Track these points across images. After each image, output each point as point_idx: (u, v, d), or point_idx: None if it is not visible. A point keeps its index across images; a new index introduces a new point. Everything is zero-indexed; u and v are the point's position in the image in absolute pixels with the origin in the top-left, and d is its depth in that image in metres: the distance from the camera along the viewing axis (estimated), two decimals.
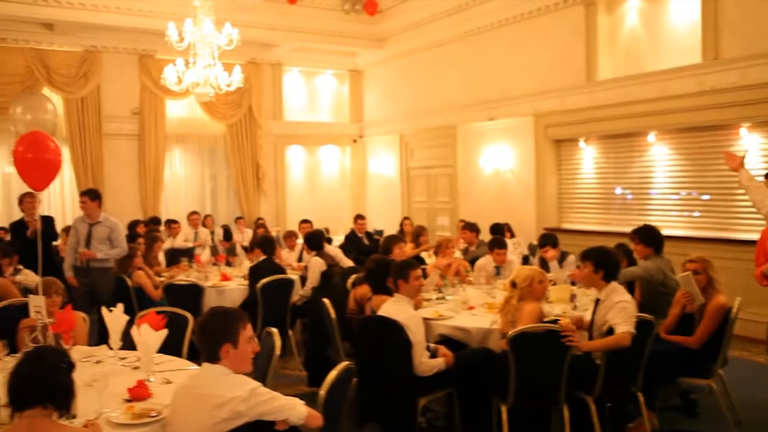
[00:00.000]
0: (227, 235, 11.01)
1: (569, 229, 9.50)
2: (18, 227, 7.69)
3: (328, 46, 12.60)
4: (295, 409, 2.72)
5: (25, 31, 10.52)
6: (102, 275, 6.60)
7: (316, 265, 6.95)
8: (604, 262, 4.34)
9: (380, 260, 5.13)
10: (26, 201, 7.74)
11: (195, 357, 3.61)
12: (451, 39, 11.32)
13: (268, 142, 13.04)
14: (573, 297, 5.27)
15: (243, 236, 11.06)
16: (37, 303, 3.90)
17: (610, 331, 4.08)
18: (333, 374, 3.07)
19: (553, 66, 9.47)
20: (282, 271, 6.83)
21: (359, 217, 10.21)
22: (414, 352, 4.12)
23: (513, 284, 4.47)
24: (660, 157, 8.48)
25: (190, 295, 6.31)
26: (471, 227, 8.36)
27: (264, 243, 7.13)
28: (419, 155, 12.57)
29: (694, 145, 8.06)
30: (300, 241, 8.66)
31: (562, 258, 6.76)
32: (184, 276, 7.20)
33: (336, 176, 14.30)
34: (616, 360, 4.09)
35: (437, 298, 5.61)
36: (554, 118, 9.54)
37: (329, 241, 9.22)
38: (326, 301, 5.15)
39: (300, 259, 8.21)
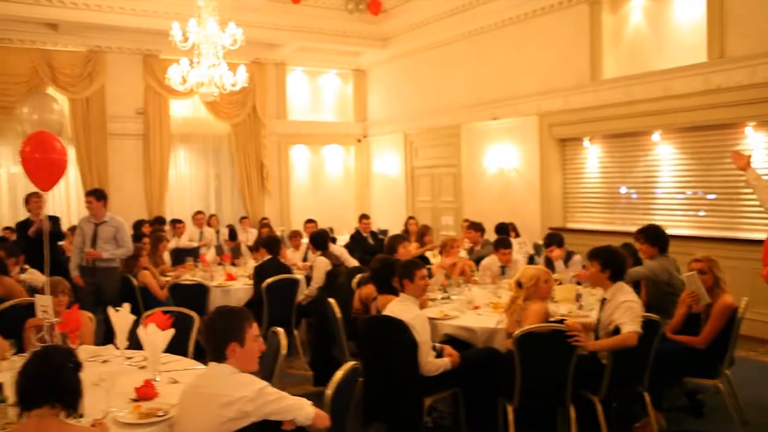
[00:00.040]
0: (232, 234, 11.00)
1: (574, 228, 9.48)
2: (24, 227, 7.72)
3: (332, 45, 12.61)
4: (303, 409, 2.72)
5: (30, 31, 10.54)
6: (108, 275, 6.61)
7: (321, 264, 6.95)
8: (611, 262, 4.32)
9: (385, 260, 5.12)
10: (32, 201, 7.77)
11: (201, 356, 3.62)
12: (455, 38, 11.31)
13: (272, 142, 13.05)
14: (578, 296, 5.26)
15: (247, 236, 11.06)
16: (44, 302, 3.91)
17: (617, 331, 4.07)
18: (339, 374, 3.07)
19: (558, 65, 9.45)
20: (288, 270, 6.84)
21: (364, 217, 10.21)
22: (420, 352, 4.12)
23: (518, 284, 4.46)
24: (665, 157, 8.46)
25: (196, 295, 6.32)
26: (476, 227, 8.36)
27: (269, 243, 7.14)
28: (423, 155, 12.57)
29: (699, 144, 8.03)
30: (305, 240, 8.66)
31: (567, 257, 6.75)
32: (189, 276, 7.22)
33: (340, 176, 14.31)
34: (622, 360, 4.08)
35: (442, 298, 5.61)
36: (559, 118, 9.52)
37: (334, 240, 9.22)
38: (332, 300, 5.15)
39: (305, 259, 8.21)
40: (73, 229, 8.17)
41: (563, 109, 9.41)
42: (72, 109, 11.02)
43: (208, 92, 8.56)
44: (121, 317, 3.93)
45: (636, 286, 5.26)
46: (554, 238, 6.94)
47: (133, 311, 4.00)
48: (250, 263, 8.01)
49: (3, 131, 10.64)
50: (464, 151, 11.36)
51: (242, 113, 12.49)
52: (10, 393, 2.59)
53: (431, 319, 4.64)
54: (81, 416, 2.65)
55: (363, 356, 4.36)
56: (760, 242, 6.97)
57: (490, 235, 8.30)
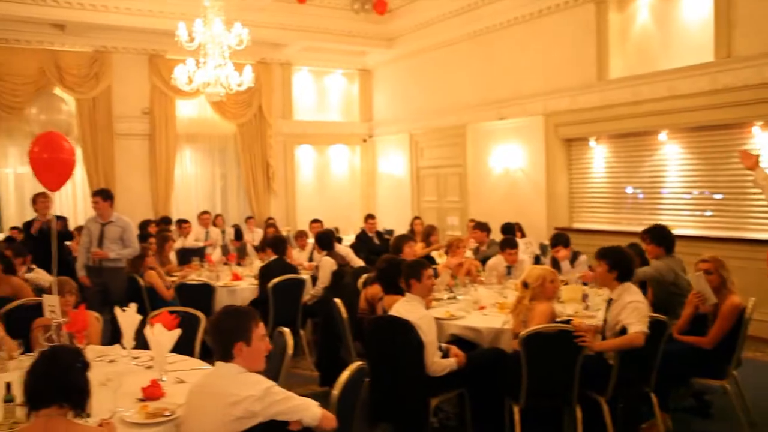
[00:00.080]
0: (238, 234, 11.05)
1: (580, 228, 9.45)
2: (31, 227, 7.75)
3: (338, 45, 12.61)
4: (309, 410, 2.72)
5: (37, 32, 10.57)
6: (114, 275, 6.63)
7: (327, 264, 6.96)
8: (619, 262, 4.30)
9: (391, 260, 5.13)
10: (39, 201, 7.80)
11: (207, 356, 3.62)
12: (460, 38, 11.30)
13: (278, 142, 13.07)
14: (585, 297, 5.25)
15: (253, 236, 11.08)
16: (51, 302, 3.93)
17: (624, 331, 4.06)
18: (346, 374, 3.07)
19: (564, 65, 9.43)
20: (294, 270, 6.84)
21: (370, 217, 10.21)
22: (426, 352, 4.11)
23: (524, 284, 4.45)
24: (671, 156, 8.43)
25: (202, 295, 6.33)
26: (482, 227, 8.35)
27: (276, 243, 7.15)
28: (429, 155, 12.56)
29: (706, 143, 8.00)
30: (311, 240, 8.67)
31: (573, 258, 6.73)
32: (195, 276, 7.23)
33: (346, 176, 14.31)
34: (628, 360, 4.07)
35: (448, 298, 5.60)
36: (565, 118, 9.50)
37: (339, 240, 9.23)
38: (338, 300, 5.15)
39: (311, 259, 8.22)
40: (80, 229, 8.20)
41: (569, 109, 9.38)
42: (78, 109, 11.05)
43: (214, 92, 8.57)
44: (127, 317, 3.94)
45: (642, 286, 5.23)
46: (560, 238, 6.92)
47: (140, 311, 4.02)
48: (255, 263, 8.03)
49: (11, 131, 10.68)
50: (470, 151, 11.34)
51: (248, 113, 12.51)
52: (18, 392, 2.60)
53: (437, 319, 4.64)
54: (88, 416, 2.65)
55: (369, 356, 4.36)
56: (767, 242, 6.97)
57: (496, 235, 8.29)
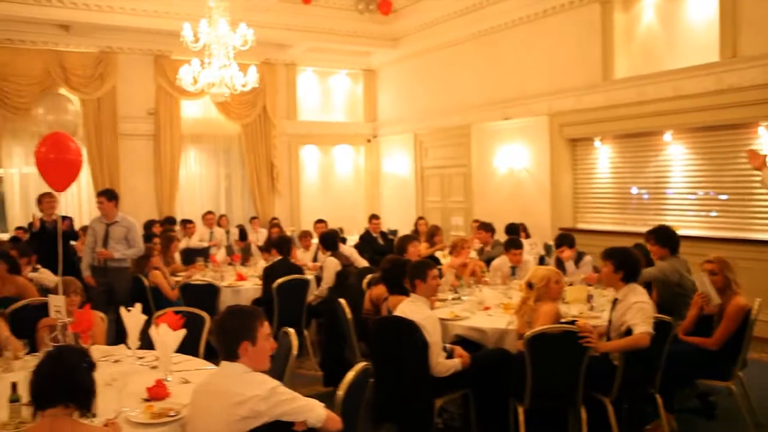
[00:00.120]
0: (242, 234, 11.03)
1: (584, 229, 9.43)
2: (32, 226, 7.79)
3: (342, 46, 12.62)
4: (314, 410, 2.71)
5: (42, 32, 10.61)
6: (119, 275, 6.65)
7: (331, 265, 6.96)
8: (625, 263, 4.30)
9: (396, 260, 5.12)
10: (45, 201, 7.84)
11: (212, 357, 3.63)
12: (465, 38, 11.29)
13: (283, 142, 13.07)
14: (590, 297, 5.24)
15: (258, 236, 11.08)
16: (57, 302, 3.94)
17: (629, 332, 4.05)
18: (350, 375, 3.07)
19: (569, 65, 9.41)
20: (299, 270, 6.85)
21: (374, 217, 10.21)
22: (430, 353, 4.11)
23: (529, 285, 4.44)
24: (676, 157, 8.41)
25: (206, 295, 6.34)
26: (486, 227, 8.34)
27: (280, 243, 7.16)
28: (433, 155, 12.56)
29: (711, 144, 7.98)
30: (315, 240, 8.67)
31: (578, 258, 6.71)
32: (200, 276, 7.24)
33: (350, 176, 14.31)
34: (633, 361, 4.06)
35: (453, 299, 5.60)
36: (569, 118, 9.48)
37: (344, 240, 9.23)
38: (342, 301, 5.15)
39: (315, 259, 8.21)
40: (85, 229, 8.23)
41: (574, 109, 9.36)
42: (84, 109, 11.07)
43: (218, 93, 8.59)
44: (132, 317, 3.94)
45: (647, 287, 5.22)
46: (565, 238, 6.90)
47: (144, 311, 4.02)
48: (260, 263, 8.03)
49: (16, 132, 10.71)
50: (474, 151, 11.34)
51: (253, 113, 12.53)
52: (23, 392, 2.61)
53: (442, 319, 4.63)
54: (93, 416, 2.66)
55: (374, 357, 4.36)
56: None
57: (501, 236, 8.29)
